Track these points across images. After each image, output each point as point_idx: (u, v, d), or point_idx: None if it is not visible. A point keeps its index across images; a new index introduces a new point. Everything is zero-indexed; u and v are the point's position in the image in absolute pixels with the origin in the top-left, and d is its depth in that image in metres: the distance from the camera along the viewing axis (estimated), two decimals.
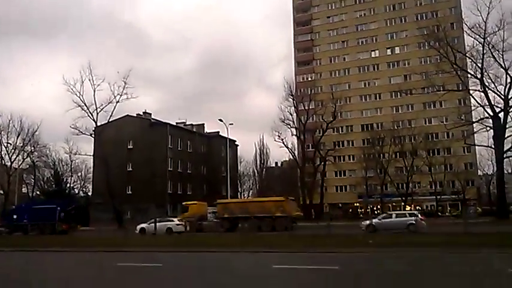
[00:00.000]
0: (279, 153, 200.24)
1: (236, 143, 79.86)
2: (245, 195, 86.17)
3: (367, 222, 30.54)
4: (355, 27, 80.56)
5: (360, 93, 77.85)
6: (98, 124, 52.47)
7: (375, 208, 64.96)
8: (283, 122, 64.64)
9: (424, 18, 70.75)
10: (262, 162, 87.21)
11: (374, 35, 78.86)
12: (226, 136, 55.23)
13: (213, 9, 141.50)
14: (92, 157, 62.40)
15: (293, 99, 66.18)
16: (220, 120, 50.27)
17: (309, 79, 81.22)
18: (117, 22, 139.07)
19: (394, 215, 31.46)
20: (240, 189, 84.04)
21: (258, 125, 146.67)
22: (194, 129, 74.86)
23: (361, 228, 29.25)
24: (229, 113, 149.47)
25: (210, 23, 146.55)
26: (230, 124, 53.03)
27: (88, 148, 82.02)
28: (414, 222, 27.96)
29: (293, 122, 65.90)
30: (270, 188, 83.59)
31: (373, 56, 78.78)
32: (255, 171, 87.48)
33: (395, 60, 76.68)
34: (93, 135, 54.39)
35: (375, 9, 79.34)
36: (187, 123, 75.96)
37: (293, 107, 66.06)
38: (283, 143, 65.30)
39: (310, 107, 66.27)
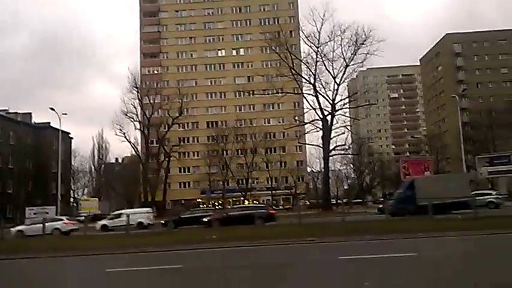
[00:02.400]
0: (120, 148, 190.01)
1: (70, 135, 72.45)
2: (79, 193, 79.25)
3: (101, 222, 31.93)
4: (203, 24, 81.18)
5: (206, 91, 78.75)
6: None
7: (216, 203, 66.42)
8: (126, 115, 61.27)
9: (267, 23, 75.28)
10: (101, 157, 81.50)
11: (221, 34, 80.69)
12: (58, 127, 49.36)
13: None
14: None
15: (138, 92, 63.20)
16: (52, 109, 44.68)
17: (155, 72, 78.90)
18: None
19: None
20: (73, 186, 76.67)
21: (98, 117, 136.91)
22: (19, 119, 65.25)
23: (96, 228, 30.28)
24: (66, 103, 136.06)
25: (47, 3, 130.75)
26: (63, 114, 47.55)
27: None
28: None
29: (137, 115, 63.04)
30: (109, 185, 78.41)
31: (219, 55, 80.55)
32: (92, 167, 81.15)
33: (240, 61, 79.82)
34: None
35: (222, 10, 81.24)
36: (10, 111, 65.76)
37: (137, 100, 63.13)
38: (126, 137, 61.82)
39: (156, 101, 64.26)
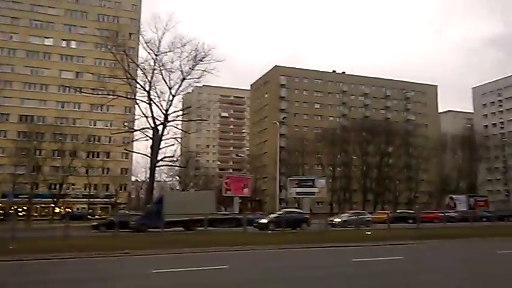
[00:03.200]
0: None
1: None
2: None
3: None
4: (31, 6, 71.64)
5: (24, 80, 69.33)
6: None
7: (20, 209, 58.09)
8: None
9: (106, 20, 70.99)
10: None
11: (51, 21, 72.51)
12: None
13: None
14: None
15: None
16: None
17: None
18: None
19: None
20: None
21: None
22: None
23: None
24: None
25: None
26: None
27: None
28: None
29: None
30: None
31: (46, 43, 72.07)
32: None
33: (70, 54, 72.93)
34: None
35: None
36: None
37: None
38: None
39: None
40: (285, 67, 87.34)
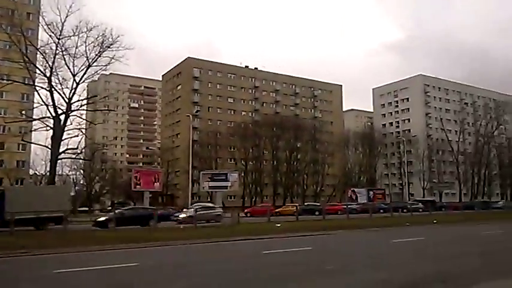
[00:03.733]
0: None
1: None
2: None
3: None
4: None
5: None
6: None
7: None
8: None
9: None
10: None
11: None
12: None
13: None
14: None
15: None
16: None
17: None
18: None
19: None
20: None
21: None
22: None
23: None
24: None
25: None
26: None
27: None
28: None
29: None
30: None
31: None
32: None
33: None
34: None
35: None
36: None
37: None
38: None
39: None
40: (198, 59, 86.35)
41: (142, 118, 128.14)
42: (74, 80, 42.87)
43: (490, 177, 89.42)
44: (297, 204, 49.92)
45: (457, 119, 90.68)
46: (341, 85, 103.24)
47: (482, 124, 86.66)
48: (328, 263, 11.21)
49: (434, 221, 28.53)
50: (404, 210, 46.28)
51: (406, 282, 8.28)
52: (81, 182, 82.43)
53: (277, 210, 48.01)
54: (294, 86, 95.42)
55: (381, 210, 44.84)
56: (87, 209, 70.40)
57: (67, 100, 42.57)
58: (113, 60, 43.27)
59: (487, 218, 33.96)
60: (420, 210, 47.97)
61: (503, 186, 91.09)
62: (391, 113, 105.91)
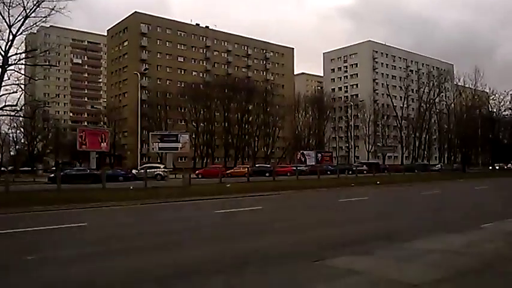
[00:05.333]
0: None
1: None
2: None
3: None
4: None
5: None
6: None
7: None
8: None
9: None
10: None
11: None
12: None
13: None
14: None
15: None
16: None
17: None
18: None
19: None
20: None
21: None
22: None
23: None
24: None
25: None
26: None
27: None
28: None
29: None
30: None
31: None
32: None
33: None
34: None
35: None
36: None
37: None
38: None
39: None
40: (146, 14, 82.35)
41: (86, 75, 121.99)
42: (10, 31, 39.38)
43: (430, 142, 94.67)
44: (248, 166, 50.51)
45: (402, 85, 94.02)
46: (293, 48, 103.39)
47: (425, 91, 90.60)
48: (275, 222, 11.51)
49: (378, 182, 29.98)
50: (350, 172, 48.25)
51: (356, 239, 8.67)
52: (22, 141, 78.23)
53: (228, 171, 48.36)
54: (246, 47, 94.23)
55: (328, 172, 46.47)
56: (30, 169, 67.18)
57: (3, 53, 39.44)
58: (53, 12, 40.17)
59: (425, 179, 36.20)
60: (365, 172, 50.21)
61: (440, 150, 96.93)
62: (340, 77, 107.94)
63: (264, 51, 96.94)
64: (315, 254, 6.82)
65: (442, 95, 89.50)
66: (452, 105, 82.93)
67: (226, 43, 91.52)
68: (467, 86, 73.98)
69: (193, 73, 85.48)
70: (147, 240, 8.82)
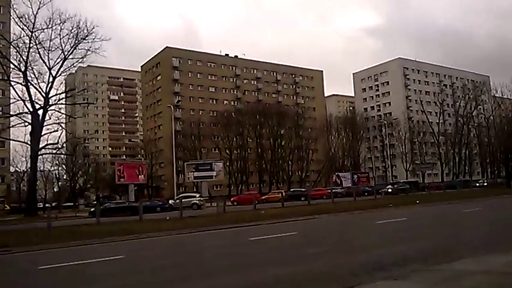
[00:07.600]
0: None
1: None
2: None
3: None
4: None
5: None
6: None
7: None
8: None
9: None
10: None
11: None
12: None
13: None
14: None
15: None
16: None
17: None
18: None
19: None
20: None
21: None
22: None
23: None
24: None
25: None
26: None
27: None
28: None
29: None
30: None
31: None
32: None
33: None
34: None
35: None
36: None
37: None
38: None
39: None
40: (177, 49, 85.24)
41: (123, 110, 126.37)
42: (50, 73, 42.10)
43: (471, 157, 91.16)
44: (282, 191, 50.19)
45: (436, 100, 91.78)
46: (322, 71, 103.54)
47: (461, 105, 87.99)
48: (309, 247, 11.34)
49: (417, 202, 29.07)
50: (387, 192, 46.91)
51: (393, 262, 8.42)
52: (64, 177, 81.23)
53: (263, 197, 48.24)
54: (275, 73, 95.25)
55: (366, 193, 45.46)
56: (72, 204, 69.50)
57: (44, 94, 41.84)
58: (89, 52, 42.63)
59: (466, 196, 34.76)
60: (405, 191, 48.71)
61: (483, 165, 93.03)
62: (372, 97, 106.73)
63: (293, 76, 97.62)
64: (349, 280, 6.67)
65: (480, 108, 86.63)
66: (492, 117, 79.98)
67: (255, 70, 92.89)
68: (505, 97, 71.37)
69: (225, 102, 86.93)
70: (178, 270, 8.89)
